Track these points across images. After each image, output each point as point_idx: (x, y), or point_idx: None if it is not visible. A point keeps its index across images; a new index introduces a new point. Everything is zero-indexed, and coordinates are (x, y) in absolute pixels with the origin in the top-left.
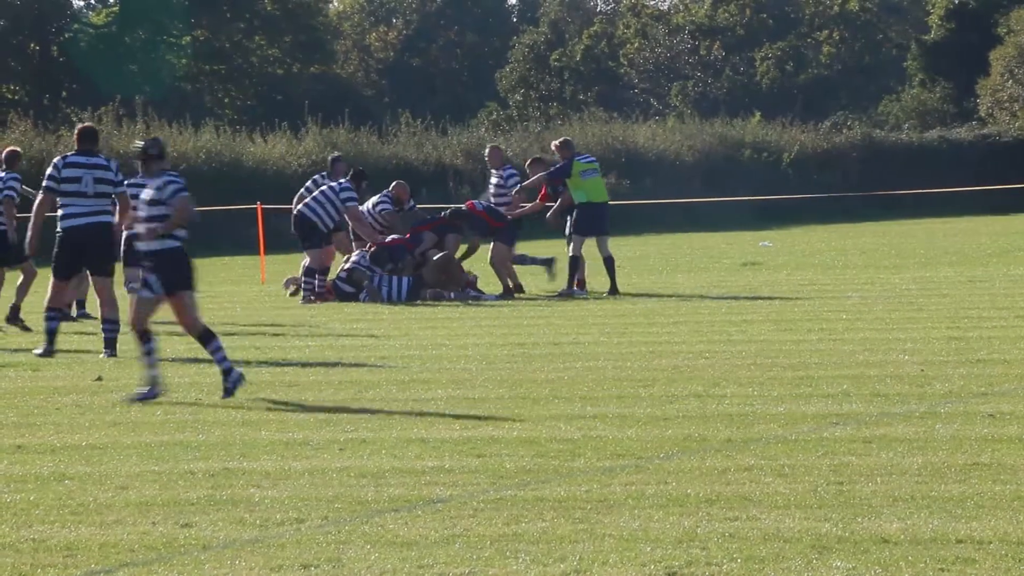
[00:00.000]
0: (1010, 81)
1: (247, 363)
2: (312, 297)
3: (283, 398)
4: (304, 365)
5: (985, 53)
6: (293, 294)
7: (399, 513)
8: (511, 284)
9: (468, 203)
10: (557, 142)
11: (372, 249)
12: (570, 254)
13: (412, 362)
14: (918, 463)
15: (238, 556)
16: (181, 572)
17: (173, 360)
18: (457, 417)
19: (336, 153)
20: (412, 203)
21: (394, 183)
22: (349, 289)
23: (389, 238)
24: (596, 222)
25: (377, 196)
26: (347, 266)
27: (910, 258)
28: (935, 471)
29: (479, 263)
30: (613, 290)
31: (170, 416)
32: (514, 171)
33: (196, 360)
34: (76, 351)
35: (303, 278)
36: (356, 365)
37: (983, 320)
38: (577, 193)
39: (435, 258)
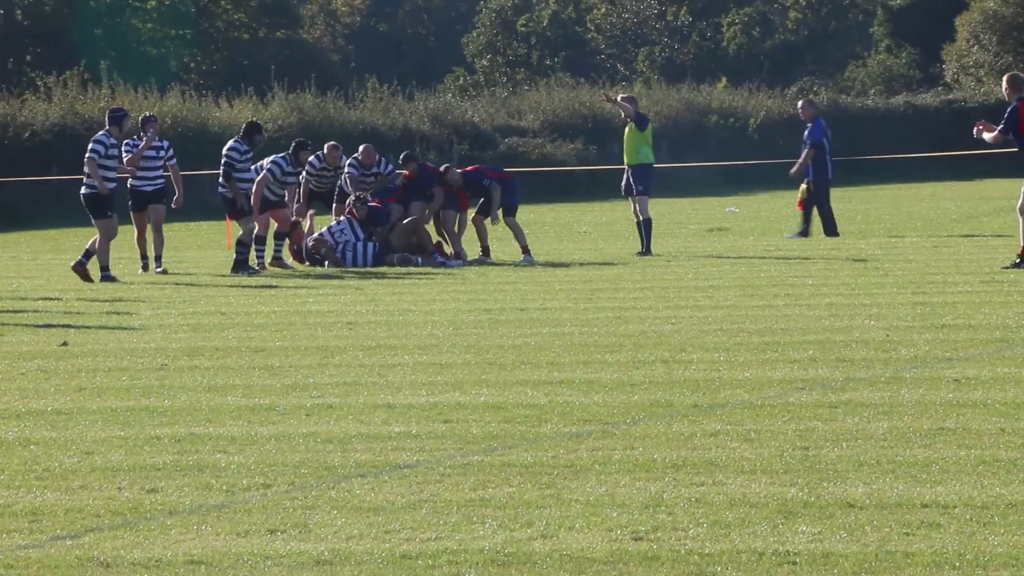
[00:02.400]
0: (975, 47)
1: (214, 326)
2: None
3: (249, 363)
4: (271, 330)
5: (951, 19)
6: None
7: (365, 479)
8: (481, 246)
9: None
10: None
11: (351, 213)
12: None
13: (379, 328)
14: (883, 428)
15: (204, 521)
16: (147, 537)
17: (140, 327)
18: (424, 383)
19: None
20: (390, 166)
21: (361, 147)
22: (317, 256)
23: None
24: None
25: (275, 157)
26: (315, 235)
27: (876, 223)
28: (900, 436)
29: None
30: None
31: (136, 382)
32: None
33: (161, 325)
34: (39, 312)
35: (256, 246)
36: (323, 330)
37: (948, 285)
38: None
39: (403, 223)
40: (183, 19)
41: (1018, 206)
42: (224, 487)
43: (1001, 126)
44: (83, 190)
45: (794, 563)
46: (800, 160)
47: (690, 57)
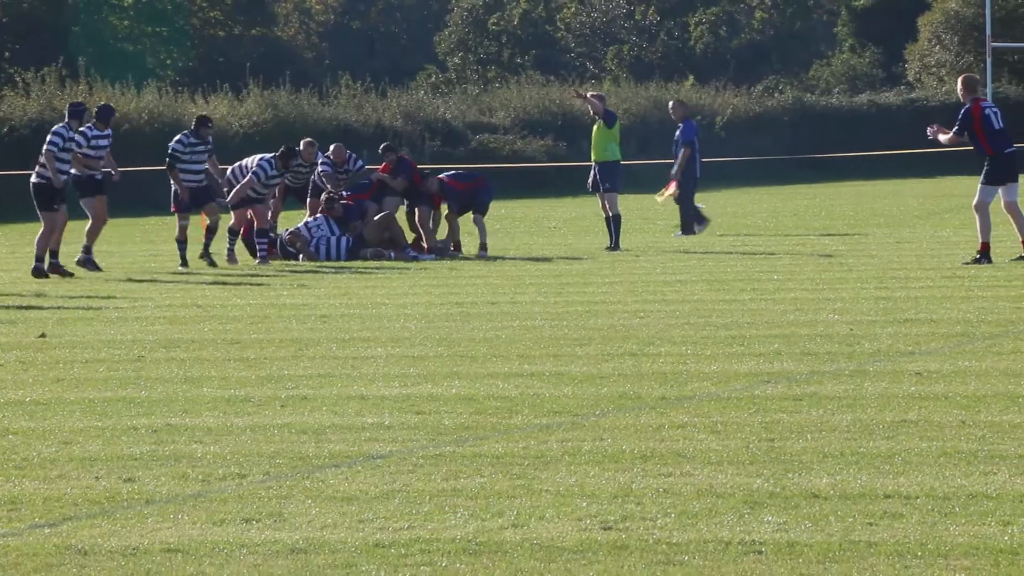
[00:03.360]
0: (937, 47)
1: (190, 318)
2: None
3: (225, 355)
4: (246, 323)
5: (913, 19)
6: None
7: (339, 469)
8: (454, 240)
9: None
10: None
11: (322, 212)
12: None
13: (352, 321)
14: (847, 420)
15: (181, 510)
16: (124, 526)
17: (117, 319)
18: (396, 375)
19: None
20: (360, 163)
21: (332, 145)
22: (291, 249)
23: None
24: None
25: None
26: (292, 229)
27: (840, 220)
28: (864, 428)
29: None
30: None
31: (113, 373)
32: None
33: (138, 318)
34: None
35: (256, 240)
36: (297, 323)
37: (910, 280)
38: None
39: (376, 218)
40: (159, 16)
41: (974, 204)
42: (200, 477)
43: (956, 127)
44: (34, 179)
45: (760, 552)
46: (678, 161)
47: (658, 56)
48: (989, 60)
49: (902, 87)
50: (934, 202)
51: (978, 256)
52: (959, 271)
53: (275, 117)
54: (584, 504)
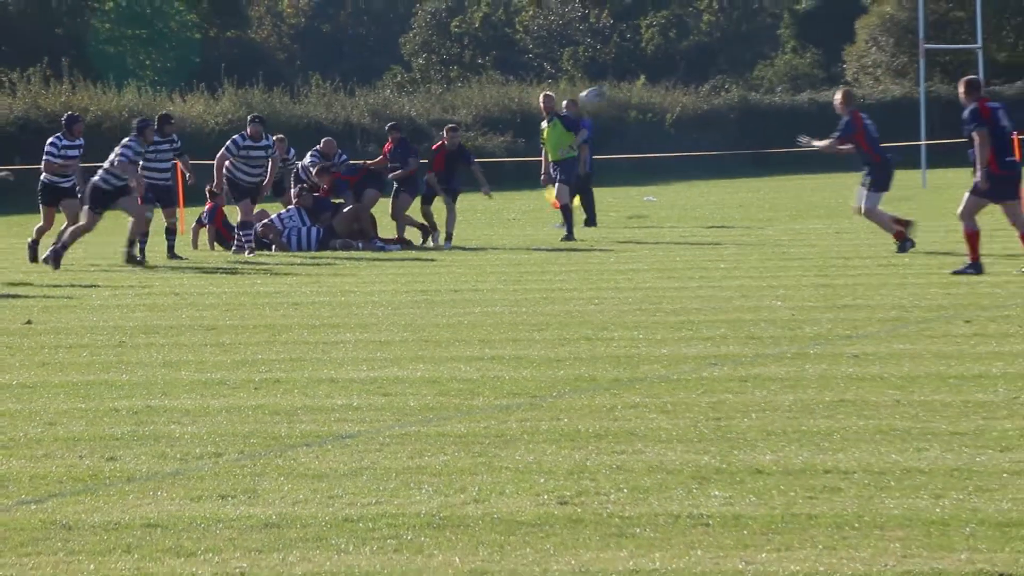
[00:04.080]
0: (874, 48)
1: (169, 305)
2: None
3: (202, 341)
4: (221, 310)
5: (851, 22)
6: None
7: (310, 447)
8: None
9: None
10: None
11: (298, 203)
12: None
13: (322, 308)
14: (789, 400)
15: (160, 487)
16: (107, 502)
17: (99, 307)
18: (364, 359)
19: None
20: (344, 157)
21: (323, 140)
22: (265, 240)
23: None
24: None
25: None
26: (265, 221)
27: (782, 211)
28: (805, 407)
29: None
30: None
31: (96, 357)
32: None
33: (119, 305)
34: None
35: (239, 231)
36: (270, 310)
37: (849, 268)
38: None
39: (345, 210)
40: (139, 19)
41: (863, 211)
42: (178, 455)
43: (836, 134)
44: (100, 183)
45: (707, 525)
46: (583, 158)
47: (611, 57)
48: (922, 61)
49: (841, 86)
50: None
51: (899, 245)
52: (894, 259)
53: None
54: (542, 480)
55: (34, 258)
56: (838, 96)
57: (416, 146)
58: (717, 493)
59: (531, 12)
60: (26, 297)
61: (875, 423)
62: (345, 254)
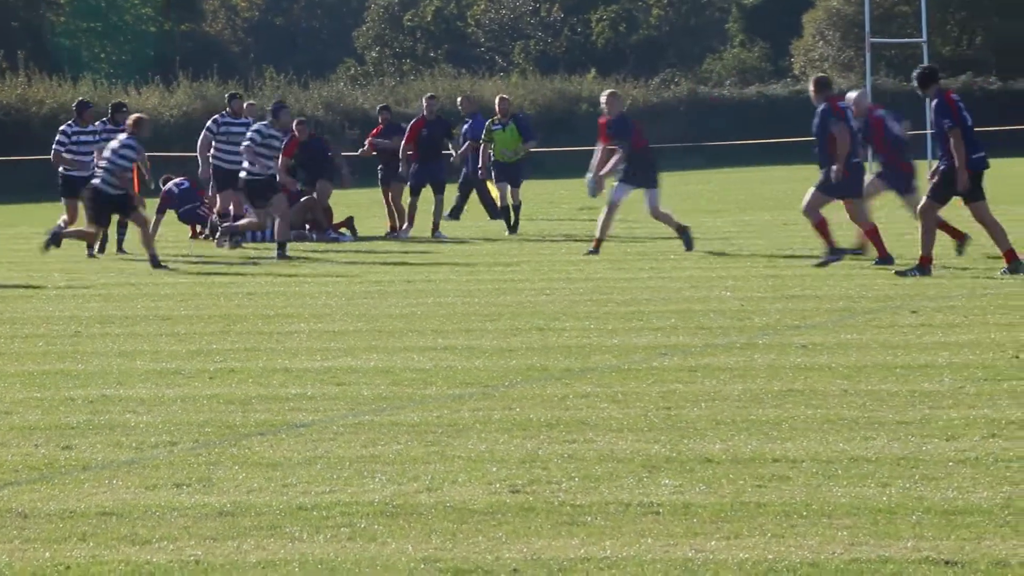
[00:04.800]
0: (820, 42)
1: (124, 296)
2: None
3: (157, 331)
4: (176, 300)
5: (798, 16)
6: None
7: (265, 436)
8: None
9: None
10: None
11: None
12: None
13: (277, 298)
14: (738, 390)
15: (115, 476)
16: (62, 491)
17: (55, 296)
18: (318, 349)
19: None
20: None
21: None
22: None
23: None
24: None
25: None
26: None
27: (731, 203)
28: (754, 397)
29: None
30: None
31: (51, 347)
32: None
33: (75, 295)
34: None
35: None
36: (225, 300)
37: (797, 259)
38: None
39: (300, 200)
40: (94, 12)
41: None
42: (133, 444)
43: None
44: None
45: (657, 513)
46: (460, 152)
47: (562, 50)
48: (868, 55)
49: (788, 80)
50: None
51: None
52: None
53: (204, 107)
54: (494, 469)
55: (57, 243)
56: (811, 85)
57: (404, 125)
58: (667, 482)
59: (483, 6)
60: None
61: (823, 412)
62: (299, 245)
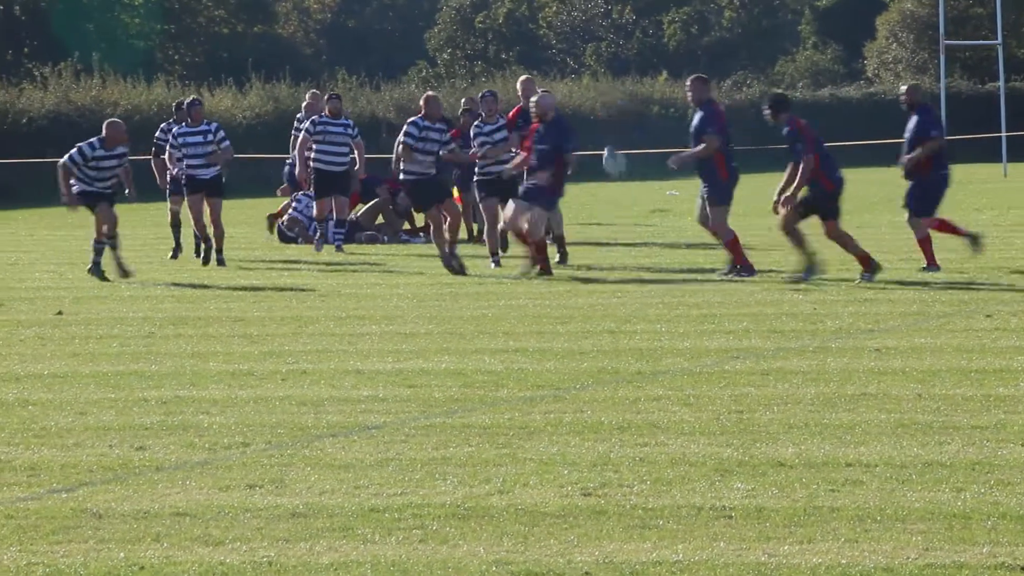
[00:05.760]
0: (894, 44)
1: (197, 297)
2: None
3: (230, 332)
4: (249, 301)
5: (872, 18)
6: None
7: (337, 438)
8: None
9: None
10: None
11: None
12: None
13: (348, 300)
14: (811, 393)
15: (188, 477)
16: (136, 491)
17: (129, 298)
18: (390, 351)
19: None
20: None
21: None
22: (291, 234)
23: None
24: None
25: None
26: (289, 214)
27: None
28: (827, 401)
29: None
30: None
31: (125, 348)
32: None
33: (148, 296)
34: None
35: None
36: (297, 302)
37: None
38: None
39: (369, 204)
40: (167, 15)
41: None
42: (207, 445)
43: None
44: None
45: (730, 517)
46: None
47: (634, 52)
48: (943, 57)
49: (861, 82)
50: (891, 189)
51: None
52: (914, 254)
53: (276, 109)
54: (565, 472)
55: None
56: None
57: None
58: (740, 485)
59: (554, 8)
60: (57, 288)
61: (897, 417)
62: (371, 247)
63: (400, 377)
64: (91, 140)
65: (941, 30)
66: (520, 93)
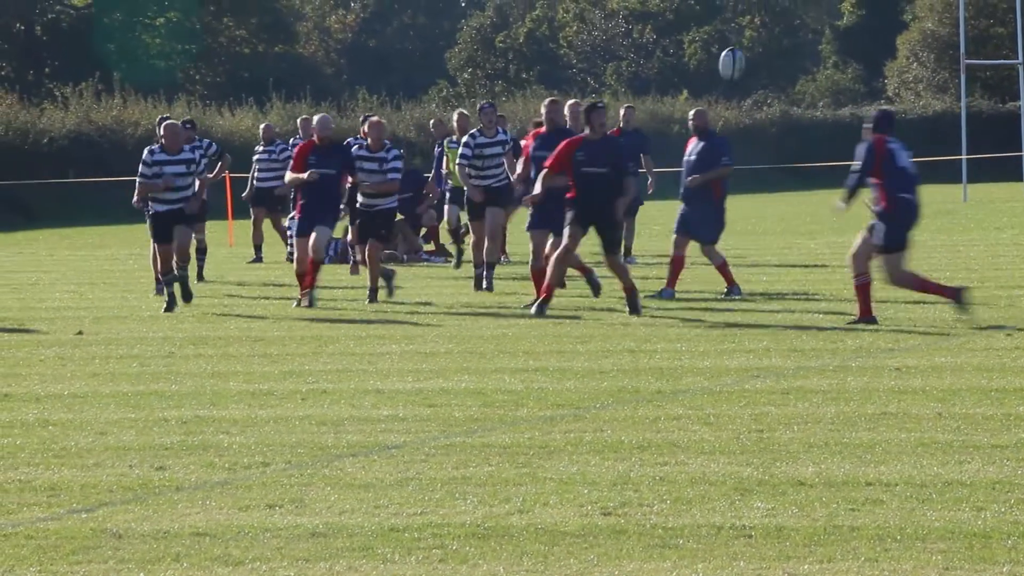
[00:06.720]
0: (915, 63)
1: (217, 317)
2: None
3: (250, 352)
4: (269, 321)
5: (892, 38)
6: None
7: (356, 458)
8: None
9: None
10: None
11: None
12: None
13: (368, 319)
14: (831, 412)
15: (208, 497)
16: (156, 511)
17: (148, 318)
18: (410, 370)
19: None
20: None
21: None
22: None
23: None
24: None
25: None
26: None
27: (824, 224)
28: (847, 420)
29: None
30: None
31: (145, 368)
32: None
33: (168, 316)
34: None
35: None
36: (317, 321)
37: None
38: None
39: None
40: (189, 35)
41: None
42: (226, 465)
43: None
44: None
45: (750, 536)
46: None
47: (654, 72)
48: (963, 76)
49: (882, 101)
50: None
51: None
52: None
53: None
54: (585, 491)
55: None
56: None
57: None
58: (760, 505)
59: (575, 27)
60: (77, 308)
61: (917, 436)
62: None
63: (420, 396)
64: (151, 147)
65: (962, 49)
66: (567, 116)
